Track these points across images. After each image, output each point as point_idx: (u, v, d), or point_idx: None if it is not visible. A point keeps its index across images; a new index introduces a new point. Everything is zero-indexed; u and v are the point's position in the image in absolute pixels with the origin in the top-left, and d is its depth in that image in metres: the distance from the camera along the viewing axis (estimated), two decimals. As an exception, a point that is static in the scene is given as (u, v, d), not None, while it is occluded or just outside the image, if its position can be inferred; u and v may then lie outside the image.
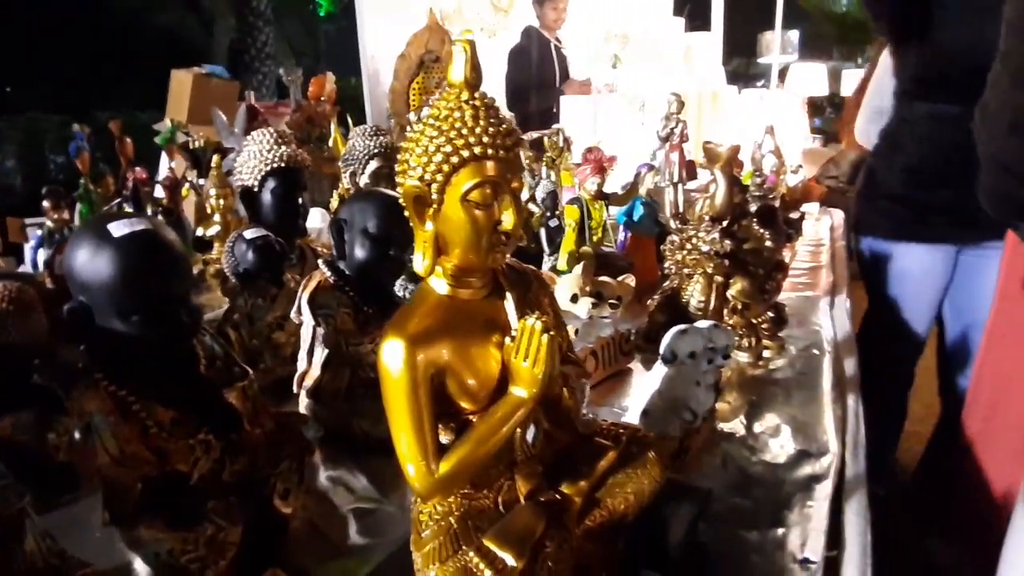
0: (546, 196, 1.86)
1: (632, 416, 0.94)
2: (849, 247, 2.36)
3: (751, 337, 1.36)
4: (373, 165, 1.88)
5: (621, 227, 1.81)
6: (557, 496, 0.65)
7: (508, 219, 0.57)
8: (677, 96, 2.23)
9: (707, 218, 1.33)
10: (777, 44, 5.32)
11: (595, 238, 1.63)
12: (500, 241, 0.58)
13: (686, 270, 1.32)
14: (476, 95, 0.56)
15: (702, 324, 1.02)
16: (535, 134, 2.15)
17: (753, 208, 1.63)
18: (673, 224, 1.34)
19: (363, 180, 1.89)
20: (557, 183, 2.02)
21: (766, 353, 1.38)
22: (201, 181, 2.32)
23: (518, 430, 0.62)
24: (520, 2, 4.42)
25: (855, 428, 1.10)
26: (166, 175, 2.18)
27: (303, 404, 1.13)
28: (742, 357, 1.35)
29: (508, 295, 0.63)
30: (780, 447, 1.05)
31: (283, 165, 1.56)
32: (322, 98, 2.82)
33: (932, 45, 1.79)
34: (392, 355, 0.56)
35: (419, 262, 0.59)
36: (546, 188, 1.87)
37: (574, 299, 1.11)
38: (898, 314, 2.03)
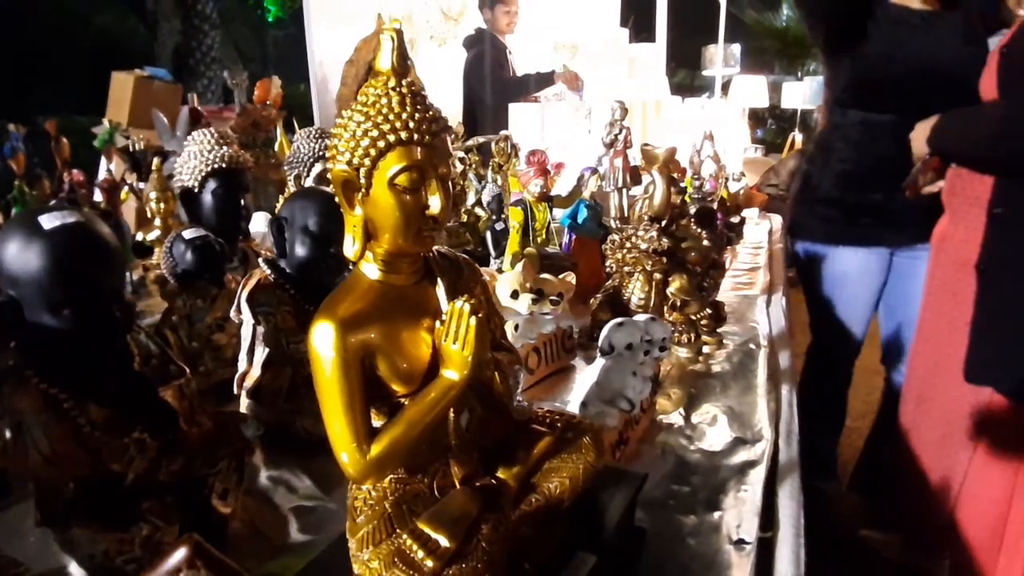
0: (492, 200, 1.88)
1: (572, 407, 0.95)
2: (787, 250, 2.43)
3: (690, 333, 1.40)
4: (318, 168, 1.87)
5: (565, 229, 1.83)
6: (492, 481, 0.66)
7: (436, 204, 0.57)
8: (621, 103, 2.27)
9: (646, 218, 1.36)
10: (720, 57, 5.47)
11: (539, 239, 1.65)
12: (428, 226, 0.58)
13: (626, 268, 1.34)
14: (403, 82, 0.57)
15: (640, 317, 1.04)
16: (481, 139, 2.16)
17: (692, 210, 1.67)
18: (614, 225, 1.36)
19: (308, 183, 1.87)
20: (504, 188, 2.03)
21: (705, 348, 1.41)
22: (141, 185, 2.26)
23: (451, 415, 0.62)
24: (471, 11, 4.43)
25: (788, 417, 1.14)
26: (104, 177, 2.11)
27: (244, 404, 1.11)
28: (682, 352, 1.38)
29: (439, 281, 0.63)
30: (717, 436, 1.07)
31: (224, 166, 1.54)
32: (268, 102, 2.78)
33: (864, 57, 1.87)
34: (322, 338, 0.56)
35: (349, 247, 0.59)
36: (492, 192, 1.88)
37: (514, 295, 1.12)
38: (836, 316, 2.09)
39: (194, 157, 1.57)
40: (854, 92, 1.94)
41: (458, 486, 0.63)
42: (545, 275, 1.20)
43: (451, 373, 0.59)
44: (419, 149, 0.56)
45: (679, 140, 2.26)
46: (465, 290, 0.64)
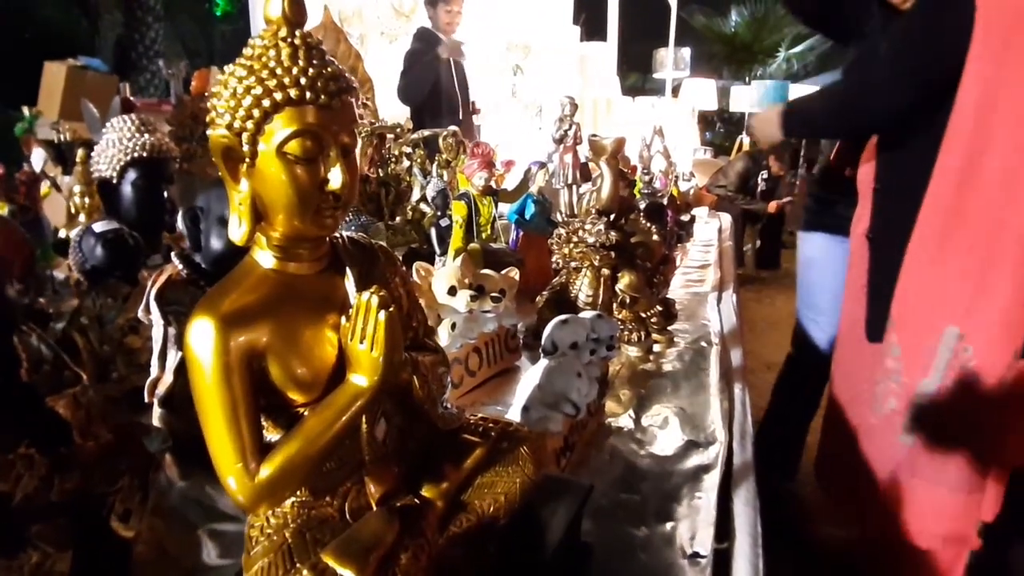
0: (437, 195, 1.78)
1: (513, 413, 0.86)
2: (738, 249, 2.40)
3: (640, 331, 1.32)
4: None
5: (512, 225, 1.75)
6: (415, 500, 0.57)
7: (336, 178, 0.48)
8: (571, 99, 2.19)
9: (594, 211, 1.28)
10: (670, 60, 5.46)
11: (484, 235, 1.56)
12: (329, 204, 0.49)
13: (573, 263, 1.26)
14: (297, 33, 0.47)
15: (586, 314, 0.96)
16: (427, 132, 2.06)
17: (642, 205, 1.61)
18: (560, 218, 1.29)
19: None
20: (452, 184, 1.94)
21: (656, 347, 1.34)
22: (67, 178, 2.10)
23: (364, 426, 0.53)
24: (423, 8, 4.33)
25: (742, 417, 1.07)
26: (23, 170, 1.94)
27: (156, 414, 1.00)
28: (632, 351, 1.31)
29: (348, 271, 0.53)
30: (668, 439, 1.00)
31: (144, 155, 1.43)
32: (206, 94, 2.63)
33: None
34: (200, 337, 0.46)
35: (235, 228, 0.49)
36: (437, 187, 1.78)
37: (452, 292, 1.03)
38: (804, 301, 2.08)
39: (112, 145, 1.45)
40: None
41: (375, 507, 0.54)
42: (486, 271, 1.11)
43: (359, 378, 0.49)
44: (314, 110, 0.46)
45: (629, 136, 2.21)
46: (379, 281, 0.55)
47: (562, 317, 0.90)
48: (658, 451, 0.96)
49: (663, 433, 1.01)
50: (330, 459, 0.50)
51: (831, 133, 1.73)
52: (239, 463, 0.46)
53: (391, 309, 0.48)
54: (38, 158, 2.40)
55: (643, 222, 1.35)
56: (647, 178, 1.65)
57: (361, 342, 0.48)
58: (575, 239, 1.24)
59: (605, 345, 0.95)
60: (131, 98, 2.46)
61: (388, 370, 0.49)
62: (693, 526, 0.82)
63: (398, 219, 2.11)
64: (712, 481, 0.90)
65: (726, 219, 2.89)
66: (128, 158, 1.40)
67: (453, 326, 0.95)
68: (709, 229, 2.64)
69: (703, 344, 1.37)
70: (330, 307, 0.52)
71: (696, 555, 0.77)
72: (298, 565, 0.48)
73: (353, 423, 0.49)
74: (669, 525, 0.82)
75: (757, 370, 2.36)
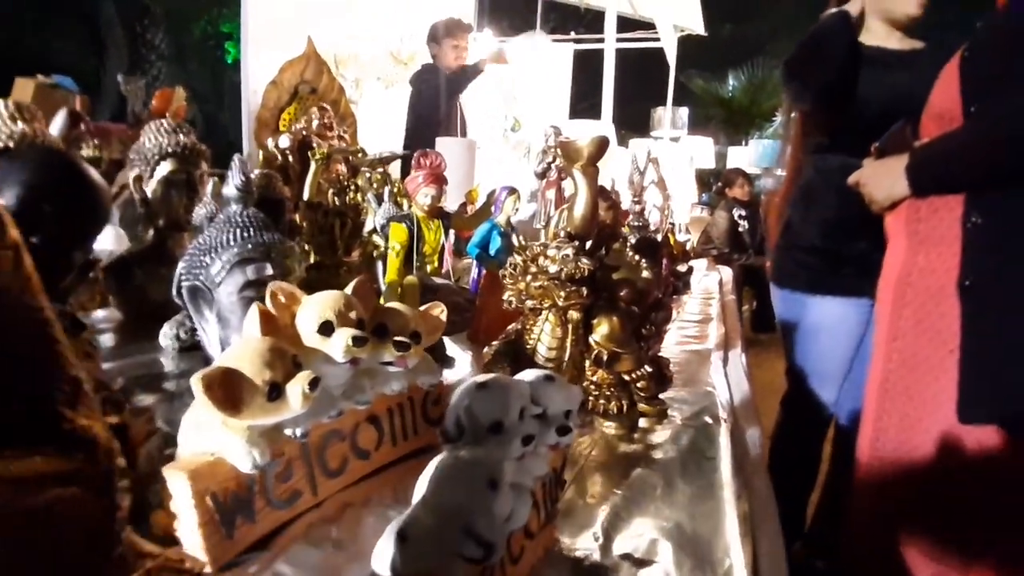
0: (386, 224, 1.41)
1: (383, 543, 0.46)
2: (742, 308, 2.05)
3: (622, 399, 0.92)
4: (165, 168, 1.39)
5: (474, 262, 1.37)
6: None
7: None
8: (555, 128, 1.86)
9: (563, 234, 0.91)
10: (667, 119, 5.21)
11: (431, 267, 1.18)
12: None
13: (530, 302, 0.88)
14: None
15: (526, 375, 0.58)
16: (385, 153, 1.70)
17: (632, 240, 1.23)
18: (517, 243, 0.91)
19: (152, 186, 1.39)
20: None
21: (642, 421, 0.94)
22: None
23: None
24: (421, 56, 4.13)
25: (774, 543, 0.66)
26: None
27: None
28: (609, 428, 0.91)
29: None
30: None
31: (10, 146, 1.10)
32: (167, 115, 2.31)
33: (850, 101, 1.64)
34: None
35: None
36: (386, 213, 1.41)
37: (325, 329, 0.63)
38: (811, 369, 1.80)
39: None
40: (837, 137, 1.71)
41: None
42: (395, 304, 0.73)
43: None
44: None
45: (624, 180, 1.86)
46: None
47: (480, 378, 0.51)
48: (637, 607, 0.55)
49: (646, 571, 0.60)
50: None
51: (980, 181, 1.26)
52: None
53: None
54: None
55: (630, 254, 0.97)
56: (638, 208, 1.28)
57: None
58: (534, 269, 0.86)
59: (555, 426, 0.55)
60: (79, 111, 2.13)
61: None
62: None
63: (355, 255, 1.75)
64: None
65: (727, 272, 2.51)
66: None
67: (313, 384, 0.55)
68: (709, 281, 2.26)
69: (707, 420, 0.97)
70: None
71: None
72: None
73: None
74: None
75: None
